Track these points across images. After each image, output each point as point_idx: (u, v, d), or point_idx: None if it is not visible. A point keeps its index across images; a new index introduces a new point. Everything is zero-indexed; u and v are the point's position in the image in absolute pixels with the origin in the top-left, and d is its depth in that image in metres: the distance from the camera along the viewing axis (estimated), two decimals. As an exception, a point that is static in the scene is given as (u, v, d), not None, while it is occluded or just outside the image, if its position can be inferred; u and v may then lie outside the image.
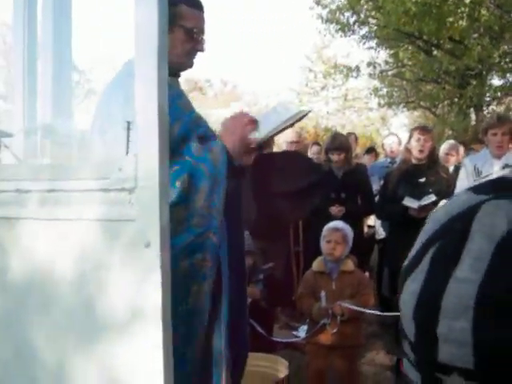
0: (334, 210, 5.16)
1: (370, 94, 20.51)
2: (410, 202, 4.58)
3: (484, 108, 17.77)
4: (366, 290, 3.90)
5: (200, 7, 2.36)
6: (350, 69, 18.88)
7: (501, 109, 18.50)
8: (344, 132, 9.81)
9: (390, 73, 19.77)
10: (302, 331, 4.17)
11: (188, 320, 2.01)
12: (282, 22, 61.38)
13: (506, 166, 4.22)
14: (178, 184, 1.94)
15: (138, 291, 1.63)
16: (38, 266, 1.80)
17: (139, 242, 1.62)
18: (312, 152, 7.63)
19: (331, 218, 4.80)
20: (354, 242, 4.10)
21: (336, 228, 4.00)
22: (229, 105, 27.81)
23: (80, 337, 1.74)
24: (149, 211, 1.62)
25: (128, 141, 1.77)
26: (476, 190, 0.67)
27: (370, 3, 15.40)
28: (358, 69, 18.74)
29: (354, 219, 5.22)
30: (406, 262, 0.69)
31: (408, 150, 4.89)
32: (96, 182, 1.74)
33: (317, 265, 3.96)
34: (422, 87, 18.77)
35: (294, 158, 5.54)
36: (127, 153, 1.78)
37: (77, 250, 1.76)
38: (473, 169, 4.45)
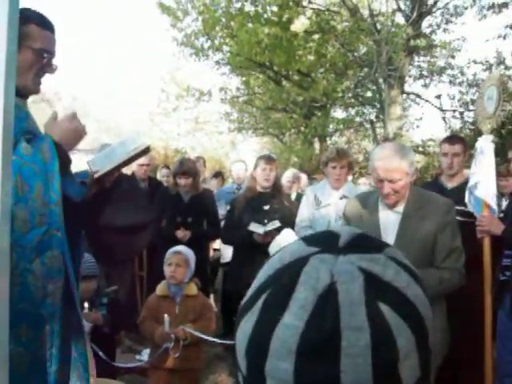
0: (180, 233, 5.21)
1: (221, 118, 20.97)
2: (255, 228, 4.73)
3: (327, 138, 18.82)
4: (208, 314, 3.96)
5: (50, 28, 2.27)
6: (202, 92, 19.16)
7: (342, 140, 19.71)
8: (193, 154, 9.92)
9: (240, 99, 20.33)
10: (145, 355, 4.13)
11: (49, 320, 1.99)
12: (139, 42, 61.03)
13: (343, 197, 4.50)
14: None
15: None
16: None
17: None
18: (161, 175, 7.65)
19: (177, 242, 4.84)
20: (199, 265, 4.15)
21: (177, 251, 4.05)
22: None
23: None
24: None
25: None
26: (307, 241, 0.74)
27: (225, 30, 15.75)
28: (210, 93, 19.07)
29: (200, 243, 5.30)
30: (243, 301, 0.75)
31: (254, 178, 5.06)
32: None
33: (160, 289, 3.97)
34: (271, 115, 19.47)
35: (131, 192, 5.48)
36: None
37: None
38: (313, 198, 4.70)
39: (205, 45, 16.51)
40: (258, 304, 0.69)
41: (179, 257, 3.98)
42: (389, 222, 3.18)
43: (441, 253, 3.08)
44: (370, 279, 0.66)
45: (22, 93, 2.30)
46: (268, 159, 5.07)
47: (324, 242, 0.72)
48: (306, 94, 15.63)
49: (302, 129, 18.16)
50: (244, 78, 19.26)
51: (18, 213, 1.88)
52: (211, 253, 6.77)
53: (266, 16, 14.46)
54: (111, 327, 3.81)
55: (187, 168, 5.45)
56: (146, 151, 2.57)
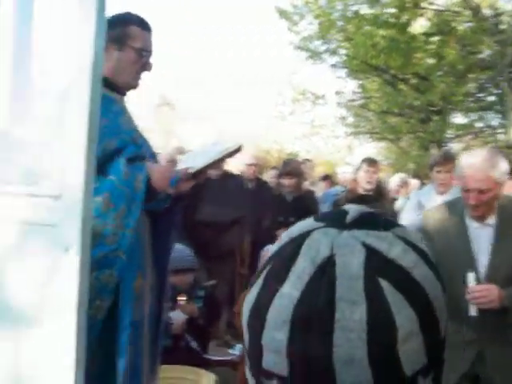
0: (281, 233, 5.22)
1: (337, 122, 20.78)
2: None
3: (445, 144, 18.14)
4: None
5: (149, 29, 2.44)
6: (317, 96, 19.11)
7: (460, 146, 18.93)
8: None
9: (356, 103, 20.07)
10: (237, 349, 4.19)
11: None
12: (258, 47, 62.19)
13: (449, 202, 4.36)
14: (98, 200, 2.00)
15: (57, 292, 1.69)
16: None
17: (60, 245, 1.68)
18: (269, 175, 7.74)
19: (279, 241, 4.86)
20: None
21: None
22: (196, 123, 27.89)
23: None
24: (72, 218, 1.68)
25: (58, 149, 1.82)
26: (318, 217, 0.74)
27: (341, 33, 15.64)
28: (325, 97, 18.98)
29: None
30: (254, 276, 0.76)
31: (355, 181, 5.03)
32: (24, 186, 1.79)
33: (255, 285, 4.01)
34: (387, 119, 19.06)
35: (228, 187, 5.57)
36: (56, 161, 1.82)
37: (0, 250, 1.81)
38: (416, 203, 4.58)
39: (321, 48, 16.49)
40: (262, 275, 0.70)
41: (274, 254, 4.01)
42: (480, 237, 2.86)
43: None
44: (372, 254, 0.64)
45: (123, 89, 2.46)
46: (370, 162, 5.02)
47: (331, 217, 0.72)
48: (422, 98, 15.17)
49: (419, 134, 17.62)
50: (360, 82, 19.02)
51: (94, 225, 1.91)
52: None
53: (382, 18, 14.19)
54: (206, 320, 3.91)
55: (291, 168, 5.49)
56: (237, 151, 2.65)
